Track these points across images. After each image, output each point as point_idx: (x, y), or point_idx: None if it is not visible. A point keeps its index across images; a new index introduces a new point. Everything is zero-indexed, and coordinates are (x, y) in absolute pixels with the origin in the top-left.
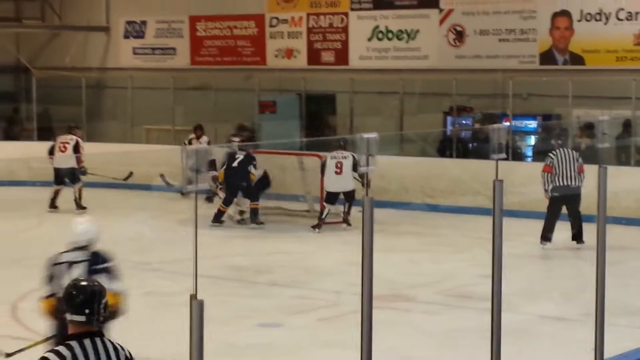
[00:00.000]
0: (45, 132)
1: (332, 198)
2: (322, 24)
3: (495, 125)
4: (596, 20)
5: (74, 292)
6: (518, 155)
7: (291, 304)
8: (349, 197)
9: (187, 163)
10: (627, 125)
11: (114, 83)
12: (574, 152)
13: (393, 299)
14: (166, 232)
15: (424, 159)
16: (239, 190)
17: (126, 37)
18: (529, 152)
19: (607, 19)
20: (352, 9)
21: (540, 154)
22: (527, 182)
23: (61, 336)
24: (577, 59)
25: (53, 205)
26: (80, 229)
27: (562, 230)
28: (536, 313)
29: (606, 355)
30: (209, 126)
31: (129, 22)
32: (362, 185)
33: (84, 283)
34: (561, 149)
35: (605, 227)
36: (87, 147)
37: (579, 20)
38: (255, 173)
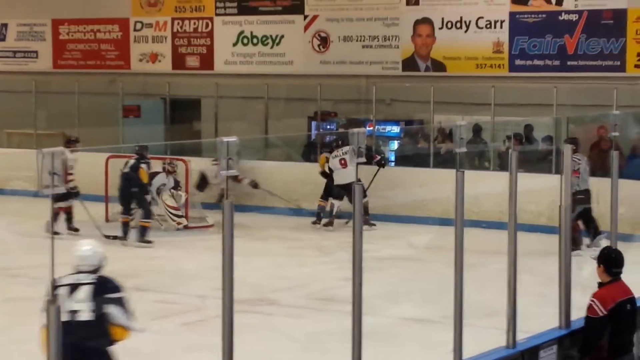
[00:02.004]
0: None
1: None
2: (187, 28)
3: (355, 130)
4: (457, 28)
5: None
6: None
7: (155, 309)
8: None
9: (42, 166)
10: (476, 130)
11: None
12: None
13: (257, 302)
14: (26, 237)
15: (288, 163)
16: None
17: None
18: (392, 157)
19: (467, 27)
20: (217, 14)
21: (402, 158)
22: (390, 186)
23: None
24: (438, 66)
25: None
26: (84, 252)
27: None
28: (398, 315)
29: (465, 355)
30: (72, 131)
31: None
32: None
33: None
34: (580, 155)
35: (463, 230)
36: None
37: (441, 28)
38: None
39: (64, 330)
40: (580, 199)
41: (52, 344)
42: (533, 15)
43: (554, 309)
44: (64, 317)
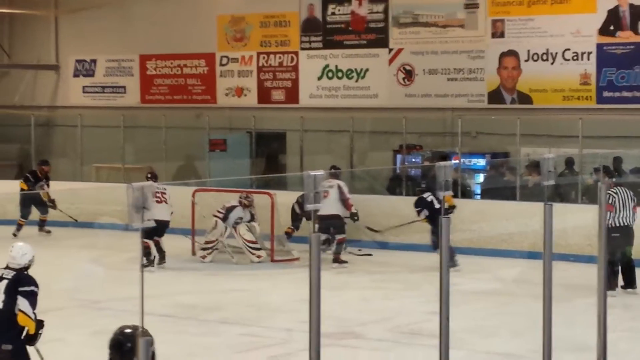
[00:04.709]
0: None
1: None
2: (272, 62)
3: (442, 163)
4: (543, 60)
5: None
6: (467, 193)
7: (241, 342)
8: (336, 225)
9: (132, 200)
10: (569, 163)
11: (63, 121)
12: (629, 191)
13: (343, 336)
14: (113, 270)
15: (374, 196)
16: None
17: (76, 75)
18: (478, 190)
19: (553, 59)
20: (302, 48)
21: (488, 191)
22: (475, 219)
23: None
24: (524, 98)
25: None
26: (16, 252)
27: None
28: (485, 350)
29: None
30: (159, 165)
31: (78, 61)
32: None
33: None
34: (619, 188)
35: (552, 264)
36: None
37: (527, 60)
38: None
39: None
40: (615, 237)
41: None
42: (621, 47)
43: None
44: None
